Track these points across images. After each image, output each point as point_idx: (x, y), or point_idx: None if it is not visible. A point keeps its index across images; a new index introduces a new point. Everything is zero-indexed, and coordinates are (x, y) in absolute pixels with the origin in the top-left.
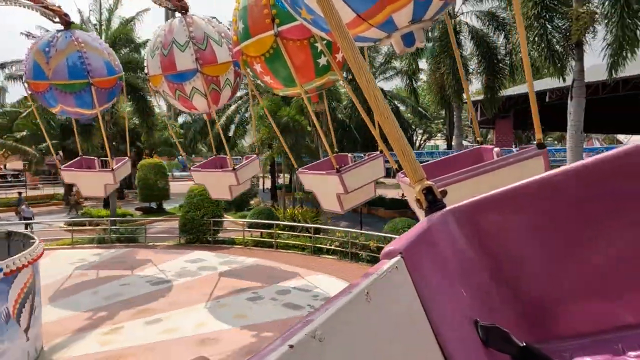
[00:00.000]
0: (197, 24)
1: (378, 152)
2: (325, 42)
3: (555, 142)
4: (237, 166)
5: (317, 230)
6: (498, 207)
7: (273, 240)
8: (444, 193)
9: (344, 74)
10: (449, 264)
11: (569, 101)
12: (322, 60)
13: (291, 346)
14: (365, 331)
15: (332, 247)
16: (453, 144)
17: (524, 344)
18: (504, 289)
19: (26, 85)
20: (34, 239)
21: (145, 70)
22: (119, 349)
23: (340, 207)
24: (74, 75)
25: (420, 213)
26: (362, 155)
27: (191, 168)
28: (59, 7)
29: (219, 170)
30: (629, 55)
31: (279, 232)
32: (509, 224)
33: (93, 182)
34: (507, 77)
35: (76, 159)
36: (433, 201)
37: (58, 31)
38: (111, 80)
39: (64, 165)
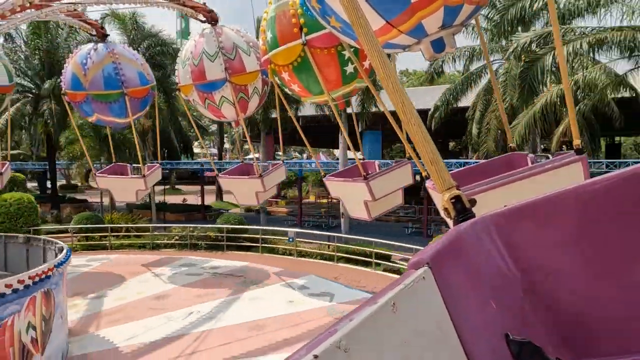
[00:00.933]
0: (227, 35)
1: (406, 159)
2: (352, 49)
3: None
4: (264, 173)
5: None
6: (531, 217)
7: (107, 242)
8: (473, 202)
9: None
10: (479, 275)
11: None
12: (349, 68)
13: (316, 356)
14: (391, 342)
15: (171, 242)
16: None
17: None
18: (538, 303)
19: (65, 95)
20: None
21: (177, 80)
22: None
23: (368, 214)
24: (109, 85)
25: (449, 222)
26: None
27: (219, 175)
28: (97, 21)
29: (246, 177)
30: None
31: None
32: (543, 235)
33: (126, 188)
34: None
35: (109, 165)
36: (462, 210)
37: (95, 43)
38: (144, 89)
39: (98, 172)
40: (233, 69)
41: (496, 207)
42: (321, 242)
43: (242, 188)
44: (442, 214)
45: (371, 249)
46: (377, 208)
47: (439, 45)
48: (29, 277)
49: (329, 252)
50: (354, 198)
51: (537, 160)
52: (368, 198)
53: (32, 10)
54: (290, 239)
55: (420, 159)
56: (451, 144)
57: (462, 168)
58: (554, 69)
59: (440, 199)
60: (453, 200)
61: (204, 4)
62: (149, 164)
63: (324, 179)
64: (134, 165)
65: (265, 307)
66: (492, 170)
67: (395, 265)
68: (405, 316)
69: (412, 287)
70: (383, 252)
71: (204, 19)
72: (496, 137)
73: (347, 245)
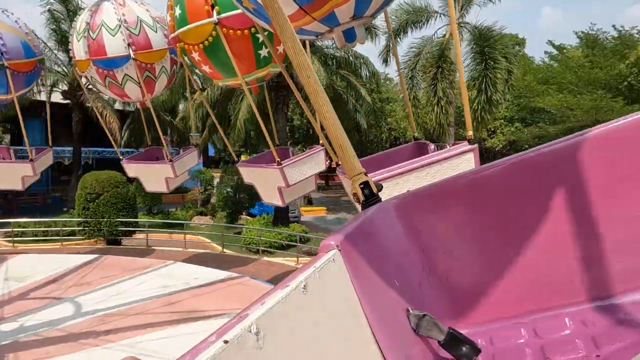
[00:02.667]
0: (129, 7)
1: (319, 146)
2: (266, 33)
3: None
4: (174, 158)
5: None
6: (429, 201)
7: None
8: (380, 187)
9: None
10: (384, 256)
11: None
12: (264, 52)
13: (226, 341)
14: (302, 323)
15: None
16: None
17: (449, 330)
18: (434, 280)
19: None
20: None
21: (71, 54)
22: None
23: (282, 201)
24: None
25: (358, 207)
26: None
27: (123, 160)
28: None
29: (156, 163)
30: None
31: None
32: (438, 218)
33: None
34: None
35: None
36: (370, 195)
37: None
38: (29, 62)
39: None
40: (137, 45)
41: (397, 191)
42: None
43: (150, 174)
44: (351, 198)
45: None
46: (291, 194)
47: (350, 35)
48: None
49: None
50: (267, 184)
51: (437, 149)
52: (282, 184)
53: None
54: None
55: (331, 146)
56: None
57: (371, 156)
58: None
59: (350, 185)
60: (362, 186)
61: None
62: (37, 147)
63: (236, 165)
64: (16, 148)
65: None
66: (398, 158)
67: None
68: (315, 297)
69: (322, 269)
70: None
71: None
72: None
73: None
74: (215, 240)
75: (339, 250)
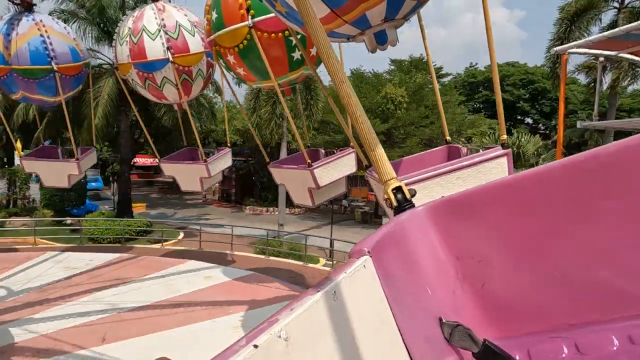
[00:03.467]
0: (169, 12)
1: (350, 148)
2: (299, 36)
3: None
4: (209, 158)
5: None
6: (464, 207)
7: None
8: (414, 193)
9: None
10: (416, 263)
11: None
12: (296, 55)
13: (256, 346)
14: (331, 330)
15: None
16: None
17: (484, 341)
18: (469, 288)
19: None
20: None
21: (114, 57)
22: None
23: (312, 202)
24: (36, 60)
25: (389, 212)
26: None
27: (160, 159)
28: None
29: (191, 163)
30: None
31: None
32: (473, 225)
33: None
34: None
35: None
36: (402, 200)
37: (19, 13)
38: (77, 66)
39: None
40: (176, 49)
41: (430, 195)
42: None
43: (185, 174)
44: (383, 203)
45: None
46: (321, 195)
47: (381, 38)
48: None
49: None
50: (298, 185)
51: (469, 153)
52: (312, 185)
53: None
54: None
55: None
56: None
57: (401, 158)
58: None
59: (381, 189)
60: (394, 191)
61: None
62: (83, 147)
63: (268, 166)
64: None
65: None
66: (429, 161)
67: None
68: (345, 304)
69: (352, 276)
70: None
71: None
72: None
73: None
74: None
75: (370, 256)
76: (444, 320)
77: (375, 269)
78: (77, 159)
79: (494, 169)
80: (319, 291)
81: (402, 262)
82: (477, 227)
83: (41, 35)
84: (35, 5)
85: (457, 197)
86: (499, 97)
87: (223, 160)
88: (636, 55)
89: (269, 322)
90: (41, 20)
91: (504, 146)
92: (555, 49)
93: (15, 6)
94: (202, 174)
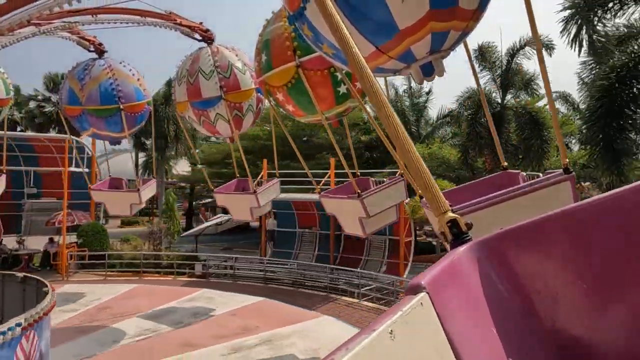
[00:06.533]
0: (222, 54)
1: (399, 176)
2: (344, 71)
3: None
4: (259, 189)
5: None
6: (527, 239)
7: None
8: (470, 226)
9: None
10: (477, 300)
11: None
12: (342, 89)
13: None
14: None
15: None
16: None
17: None
18: (538, 328)
19: (63, 110)
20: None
21: (173, 97)
22: None
23: (363, 231)
24: (105, 100)
25: (447, 246)
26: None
27: (214, 190)
28: (94, 37)
29: (242, 193)
30: None
31: None
32: (539, 257)
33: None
34: None
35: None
36: (458, 234)
37: (92, 59)
38: (140, 105)
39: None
40: (228, 87)
41: (486, 226)
42: None
43: (237, 204)
44: (439, 237)
45: None
46: (372, 224)
47: (428, 70)
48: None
49: None
50: (348, 215)
51: (528, 179)
52: (362, 215)
53: (31, 27)
54: None
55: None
56: None
57: (455, 187)
58: None
59: (436, 221)
60: (449, 224)
61: (201, 23)
62: (143, 178)
63: (319, 197)
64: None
65: None
66: (484, 189)
67: None
68: (403, 344)
69: (409, 314)
70: None
71: (200, 38)
72: None
73: None
74: None
75: (427, 293)
76: None
77: (433, 306)
78: (138, 189)
79: (557, 194)
80: (374, 330)
81: (462, 299)
82: (542, 260)
83: (109, 78)
84: (106, 52)
85: (517, 227)
86: (556, 121)
87: (272, 190)
88: None
89: None
90: (110, 65)
91: (566, 170)
92: None
93: (90, 52)
94: (252, 204)
